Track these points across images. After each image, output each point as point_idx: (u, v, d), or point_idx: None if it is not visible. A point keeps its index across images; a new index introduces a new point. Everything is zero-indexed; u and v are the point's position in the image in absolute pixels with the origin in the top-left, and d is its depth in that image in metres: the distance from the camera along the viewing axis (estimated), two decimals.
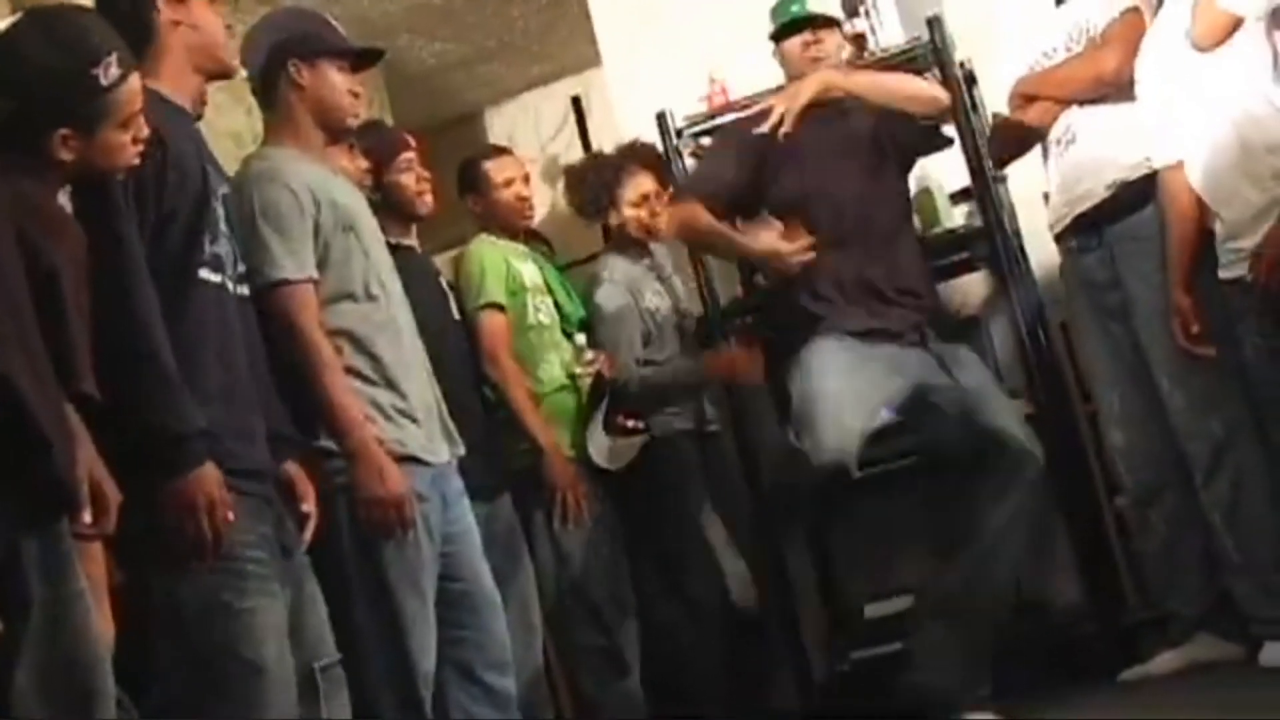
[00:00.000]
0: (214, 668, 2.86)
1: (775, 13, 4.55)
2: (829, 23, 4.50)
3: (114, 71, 2.69)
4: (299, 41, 3.63)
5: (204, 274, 3.02)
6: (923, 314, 4.35)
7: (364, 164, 4.26)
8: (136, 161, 2.79)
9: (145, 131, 2.81)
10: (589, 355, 4.88)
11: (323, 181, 3.58)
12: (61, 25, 2.73)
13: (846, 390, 4.02)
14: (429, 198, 4.43)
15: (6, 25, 2.68)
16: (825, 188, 4.33)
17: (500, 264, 4.74)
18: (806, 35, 4.43)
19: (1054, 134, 4.43)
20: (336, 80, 3.62)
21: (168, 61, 3.14)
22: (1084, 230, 4.42)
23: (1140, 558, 4.64)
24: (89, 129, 2.68)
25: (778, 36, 4.53)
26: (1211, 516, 4.19)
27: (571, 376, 4.83)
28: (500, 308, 4.70)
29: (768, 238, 4.35)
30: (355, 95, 3.68)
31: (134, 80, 2.76)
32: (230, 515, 2.84)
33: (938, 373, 4.22)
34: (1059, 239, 4.55)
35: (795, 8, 4.47)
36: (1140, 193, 4.27)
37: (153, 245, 2.90)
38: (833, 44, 4.48)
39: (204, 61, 3.22)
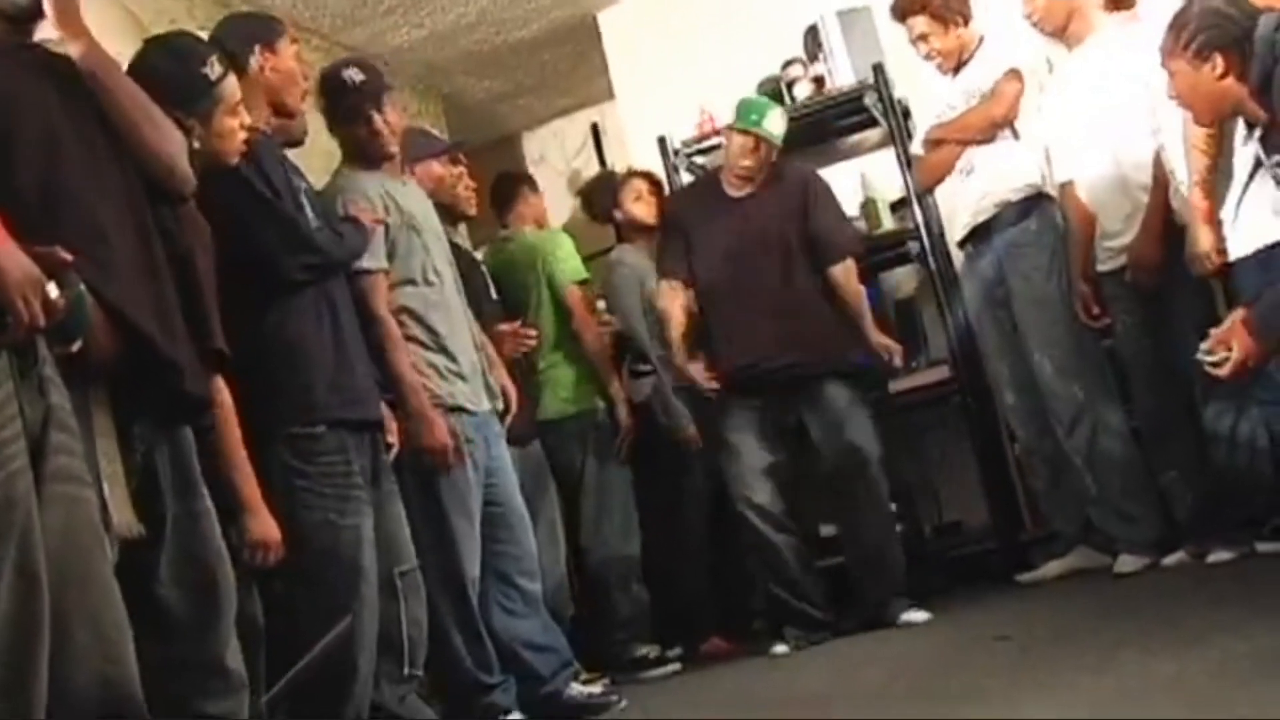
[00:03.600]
0: (325, 569, 2.95)
1: (740, 107, 4.51)
2: (770, 143, 4.44)
3: (217, 69, 2.77)
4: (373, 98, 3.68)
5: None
6: None
7: (454, 169, 4.33)
8: (244, 147, 2.86)
9: (249, 120, 2.89)
10: (606, 317, 4.95)
11: (393, 191, 3.64)
12: (175, 41, 2.88)
13: None
14: (474, 201, 4.46)
15: (136, 51, 2.78)
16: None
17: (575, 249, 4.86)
18: (749, 141, 4.42)
19: (960, 165, 4.45)
20: (393, 118, 3.69)
21: (250, 94, 3.08)
22: (978, 238, 4.46)
23: (1031, 490, 4.70)
24: (207, 117, 2.75)
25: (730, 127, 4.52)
26: (1074, 460, 4.24)
27: None
28: (585, 283, 4.81)
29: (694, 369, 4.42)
30: (395, 129, 3.71)
31: (233, 78, 2.83)
32: None
33: None
34: (961, 245, 4.61)
35: (754, 118, 4.45)
36: (1020, 210, 4.31)
37: None
38: (764, 158, 4.45)
39: (278, 100, 3.27)
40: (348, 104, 3.64)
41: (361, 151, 3.67)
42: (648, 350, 4.91)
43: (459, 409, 3.57)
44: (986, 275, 4.46)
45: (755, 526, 4.33)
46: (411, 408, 3.44)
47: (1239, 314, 3.02)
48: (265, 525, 2.73)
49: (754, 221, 4.42)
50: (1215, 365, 3.01)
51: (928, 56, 4.52)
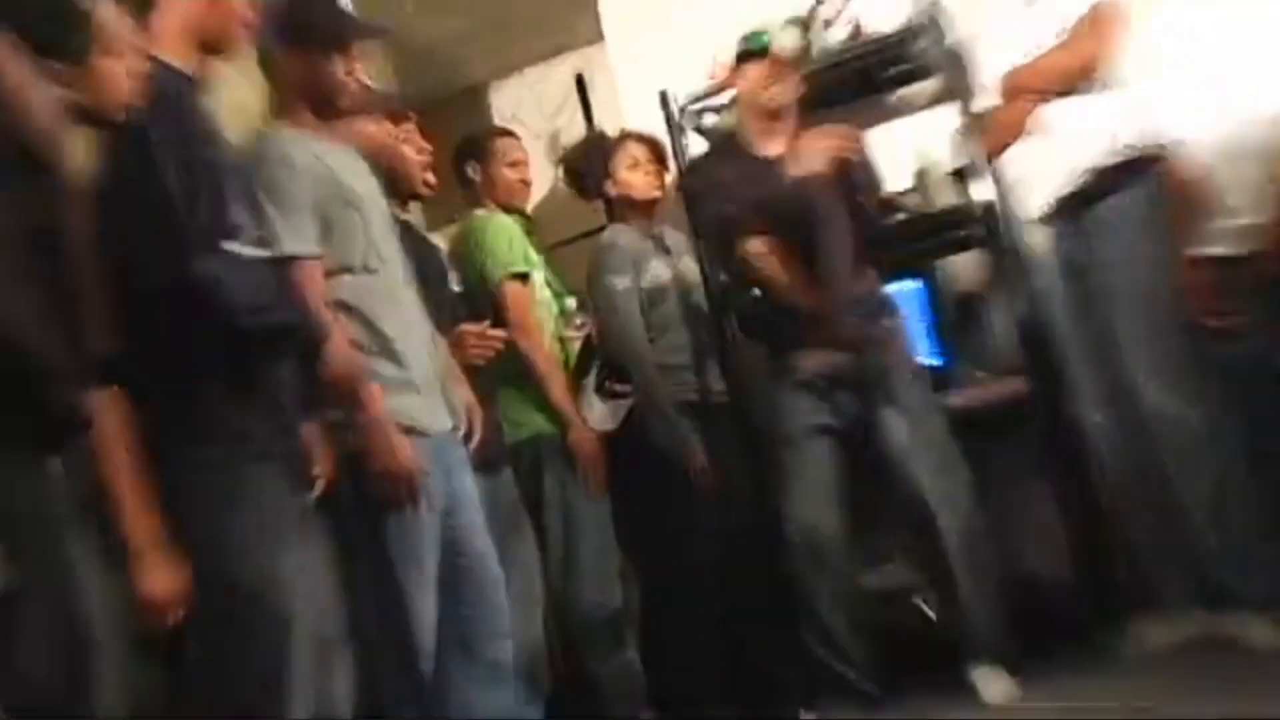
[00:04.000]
0: (245, 624, 2.91)
1: (741, 40, 4.64)
2: (794, 66, 4.58)
3: None
4: (300, 30, 3.66)
5: (228, 244, 3.06)
6: None
7: (390, 127, 4.28)
8: (131, 98, 2.81)
9: (138, 65, 2.84)
10: (579, 320, 4.96)
11: (326, 158, 3.60)
12: None
13: None
14: (430, 174, 4.44)
15: None
16: None
17: (520, 236, 4.81)
18: (765, 67, 4.54)
19: (1040, 121, 4.43)
20: (336, 65, 3.66)
21: (170, 32, 3.14)
22: (1063, 214, 4.46)
23: (1128, 536, 4.64)
24: (81, 57, 2.70)
25: (740, 59, 4.63)
26: (1186, 499, 4.22)
27: (560, 340, 4.90)
28: (524, 278, 4.75)
29: None
30: (350, 73, 3.70)
31: (112, 7, 2.79)
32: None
33: None
34: (1044, 221, 4.59)
35: (763, 38, 4.57)
36: (1118, 178, 4.29)
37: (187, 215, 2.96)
38: (789, 87, 4.58)
39: (208, 39, 3.23)
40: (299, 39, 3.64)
41: (299, 102, 3.66)
42: (631, 363, 4.91)
43: (410, 430, 3.52)
44: (1074, 262, 4.45)
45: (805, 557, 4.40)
46: (366, 421, 3.40)
47: None
48: (160, 577, 2.70)
49: (783, 188, 4.47)
50: None
51: None
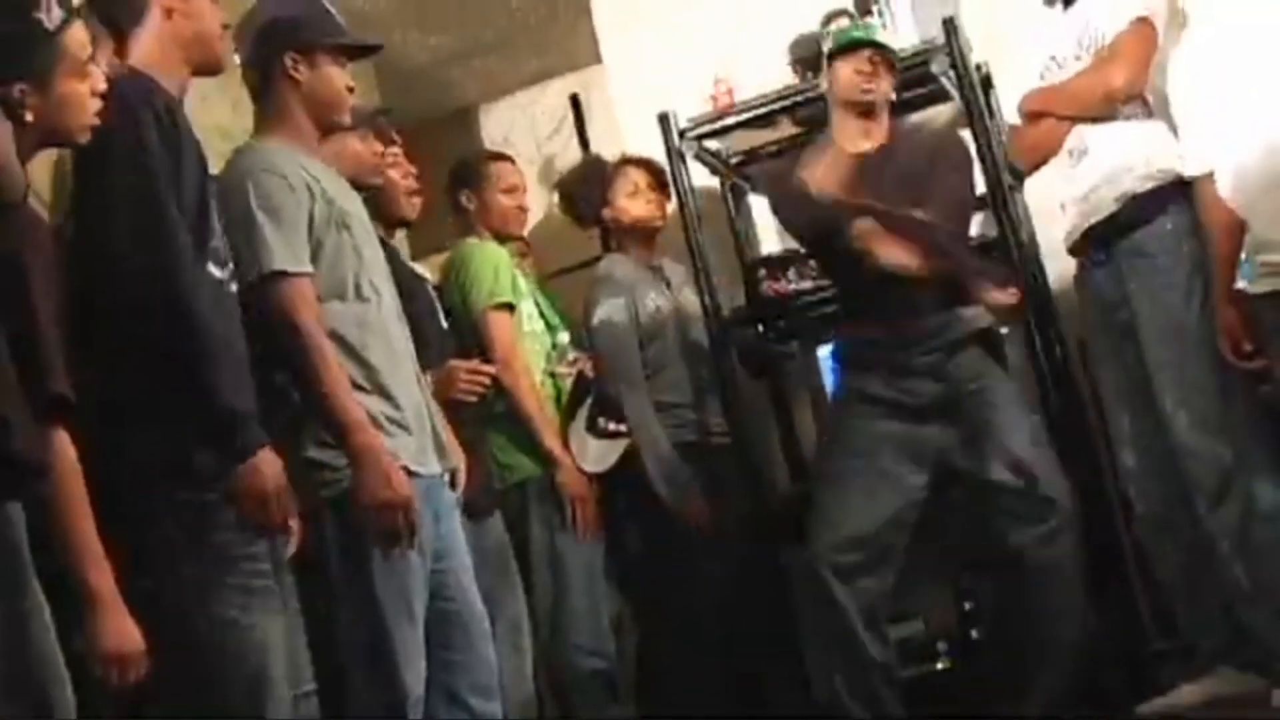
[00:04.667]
0: (221, 683, 2.88)
1: (836, 36, 4.62)
2: (889, 62, 4.56)
3: (57, 13, 2.67)
4: (295, 33, 3.60)
5: (210, 268, 3.06)
6: None
7: (378, 147, 4.24)
8: (97, 120, 2.77)
9: (103, 85, 2.81)
10: (571, 356, 4.89)
11: (317, 176, 3.55)
12: None
13: None
14: (417, 200, 4.43)
15: None
16: None
17: (508, 265, 4.74)
18: (863, 63, 4.49)
19: (1068, 144, 4.38)
20: (333, 74, 3.62)
21: (154, 48, 3.16)
22: (1094, 244, 4.38)
23: (1158, 586, 4.58)
24: (44, 78, 2.65)
25: (833, 56, 4.57)
26: (1220, 544, 4.12)
27: (552, 375, 4.84)
28: (511, 308, 4.69)
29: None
30: (350, 89, 3.67)
31: (80, 27, 2.74)
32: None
33: None
34: (1073, 252, 4.51)
35: (858, 33, 4.57)
36: (1150, 207, 4.22)
37: None
38: (888, 84, 4.56)
39: (194, 55, 3.25)
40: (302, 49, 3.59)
41: (293, 116, 3.59)
42: (626, 402, 4.85)
43: (402, 470, 3.42)
44: (1105, 294, 4.36)
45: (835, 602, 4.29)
46: (357, 449, 3.30)
47: None
48: (120, 631, 2.59)
49: (879, 185, 4.42)
50: None
51: None
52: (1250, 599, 4.09)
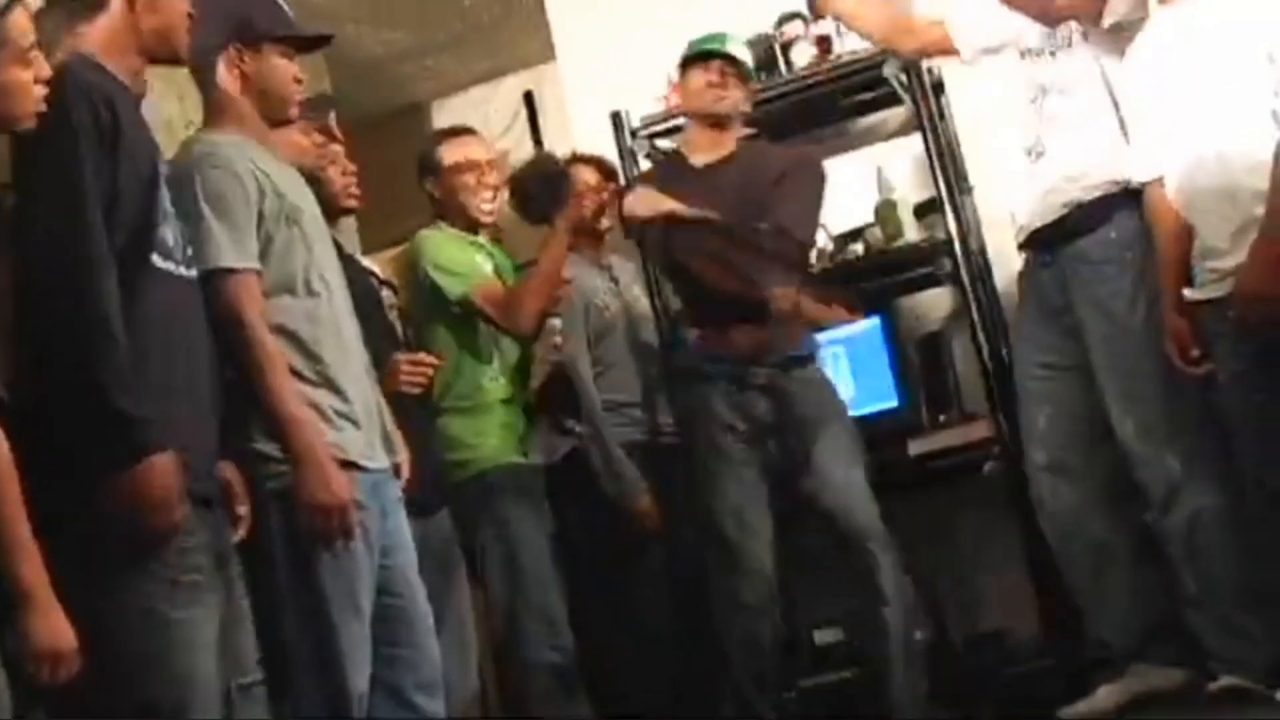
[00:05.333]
0: (143, 679, 2.84)
1: (692, 43, 4.70)
2: (741, 75, 4.65)
3: None
4: (242, 25, 3.59)
5: (156, 260, 3.02)
6: None
7: (319, 139, 4.25)
8: (43, 106, 2.77)
9: (47, 72, 2.80)
10: (557, 339, 4.91)
11: (268, 170, 3.53)
12: None
13: None
14: (354, 190, 4.39)
15: None
16: None
17: (460, 255, 4.70)
18: (715, 74, 4.58)
19: (1026, 143, 4.42)
20: (280, 67, 3.60)
21: (112, 36, 3.13)
22: (1040, 247, 4.44)
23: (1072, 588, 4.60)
24: None
25: (685, 65, 4.67)
26: (1168, 549, 4.18)
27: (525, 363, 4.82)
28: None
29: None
30: (298, 81, 3.66)
31: (21, 12, 2.73)
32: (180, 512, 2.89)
33: None
34: (1022, 247, 4.56)
35: (712, 44, 4.63)
36: (1096, 214, 4.27)
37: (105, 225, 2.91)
38: (739, 95, 4.64)
39: (154, 45, 3.22)
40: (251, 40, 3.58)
41: (242, 108, 3.58)
42: (584, 395, 4.88)
43: (349, 465, 3.42)
44: (1050, 298, 4.42)
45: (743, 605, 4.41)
46: (298, 448, 3.29)
47: None
48: (54, 627, 2.57)
49: (720, 196, 4.48)
50: None
51: None
52: (1196, 603, 4.14)
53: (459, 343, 4.66)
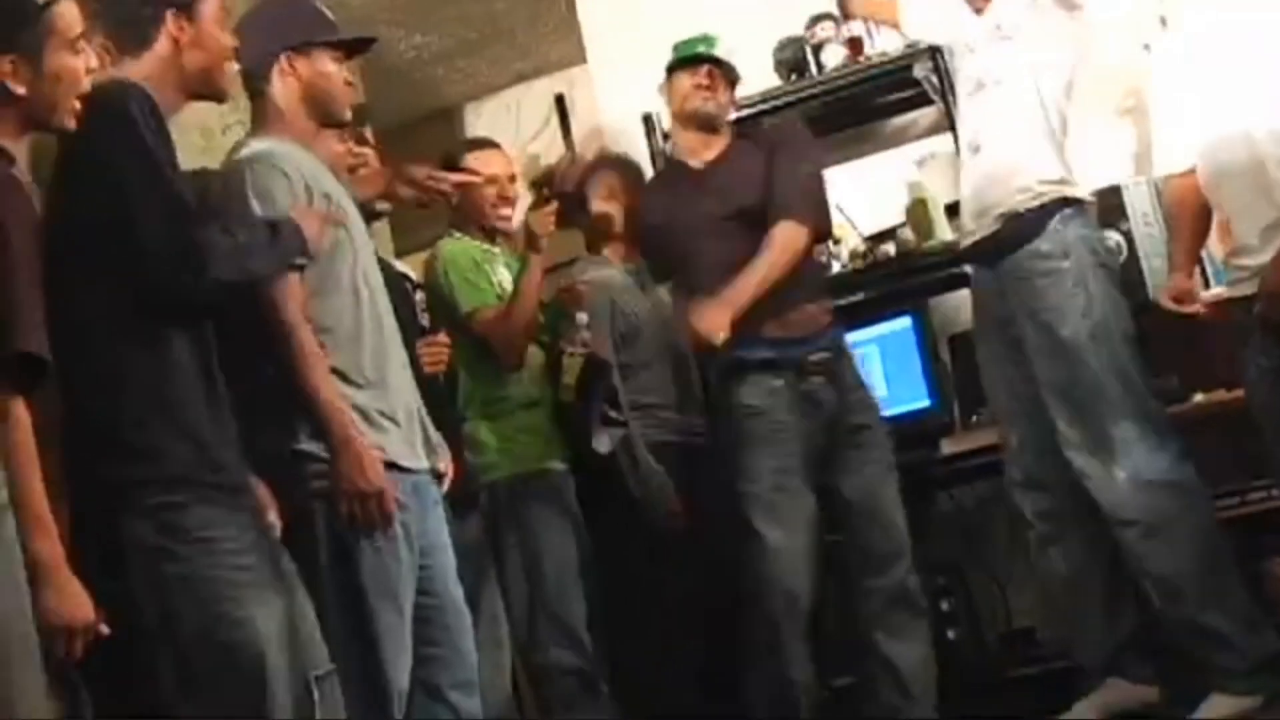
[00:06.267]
0: (214, 675, 2.90)
1: (676, 49, 4.74)
2: (729, 78, 4.69)
3: None
4: (291, 32, 3.66)
5: None
6: None
7: (356, 147, 4.31)
8: (88, 88, 2.82)
9: (95, 62, 2.87)
10: (585, 334, 4.86)
11: (315, 172, 3.59)
12: None
13: None
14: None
15: None
16: None
17: (476, 269, 4.74)
18: (702, 76, 4.63)
19: (965, 138, 4.50)
20: (332, 71, 3.68)
21: (155, 73, 3.18)
22: (978, 259, 4.51)
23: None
24: (35, 52, 2.71)
25: (672, 69, 4.71)
26: (1129, 562, 4.22)
27: (561, 353, 4.84)
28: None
29: None
30: (349, 84, 3.74)
31: (69, 3, 2.79)
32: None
33: None
34: (961, 257, 4.67)
35: (701, 47, 4.67)
36: (1029, 226, 4.30)
37: None
38: (726, 98, 4.69)
39: (196, 83, 3.28)
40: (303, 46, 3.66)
41: (294, 113, 3.65)
42: (619, 391, 4.87)
43: (390, 465, 3.47)
44: (993, 309, 4.48)
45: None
46: (336, 439, 3.36)
47: None
48: (72, 600, 2.60)
49: (719, 195, 4.55)
50: None
51: None
52: (1162, 613, 4.18)
53: (480, 350, 4.71)
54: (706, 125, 4.67)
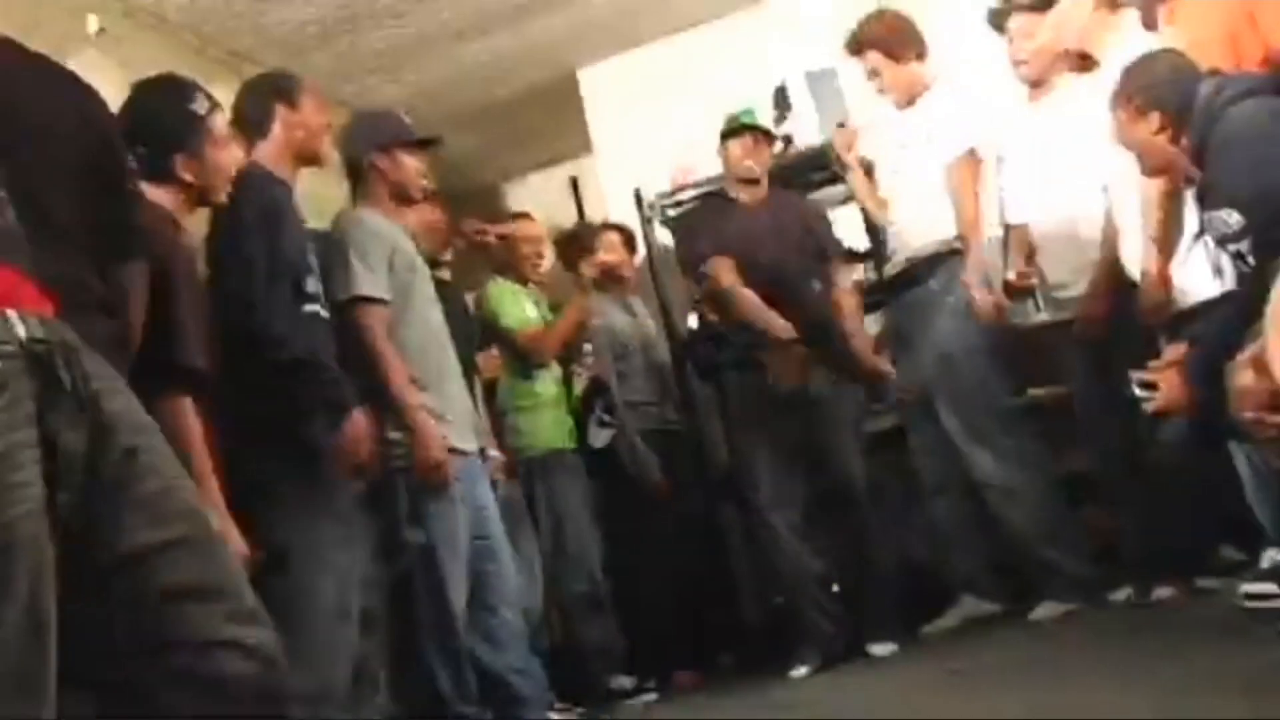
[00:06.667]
0: (307, 606, 2.97)
1: (729, 120, 4.67)
2: (769, 139, 4.68)
3: (204, 104, 2.89)
4: (378, 134, 3.82)
5: (305, 306, 3.22)
6: None
7: (438, 212, 4.44)
8: (230, 181, 2.96)
9: (240, 155, 3.02)
10: (589, 359, 5.04)
11: (396, 232, 3.74)
12: (162, 80, 2.96)
13: None
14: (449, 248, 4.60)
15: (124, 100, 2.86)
16: None
17: (514, 303, 4.87)
18: (748, 141, 4.58)
19: (885, 182, 4.54)
20: (408, 163, 3.80)
21: (275, 151, 3.35)
22: (887, 292, 4.61)
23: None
24: (198, 150, 2.85)
25: (726, 135, 4.65)
26: (997, 511, 4.26)
27: (568, 374, 4.97)
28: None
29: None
30: (421, 171, 3.85)
31: (220, 114, 2.94)
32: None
33: None
34: (889, 284, 4.64)
35: (746, 118, 4.64)
36: (924, 270, 4.35)
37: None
38: (767, 155, 4.66)
39: (304, 154, 3.42)
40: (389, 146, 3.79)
41: (379, 192, 3.78)
42: (616, 400, 4.99)
43: (450, 449, 3.61)
44: (902, 331, 4.56)
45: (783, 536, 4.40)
46: (410, 422, 3.49)
47: (1179, 351, 3.12)
48: (231, 538, 2.55)
49: (775, 221, 4.51)
50: (1148, 397, 3.11)
51: (880, 91, 4.52)
52: (1019, 549, 4.26)
53: (519, 358, 4.83)
54: (750, 179, 4.61)
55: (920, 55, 4.47)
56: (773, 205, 4.61)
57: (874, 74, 4.48)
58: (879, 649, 4.27)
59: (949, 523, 4.46)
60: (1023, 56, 4.12)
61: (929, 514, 4.55)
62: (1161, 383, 3.07)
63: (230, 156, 2.96)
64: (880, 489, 4.53)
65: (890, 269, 4.58)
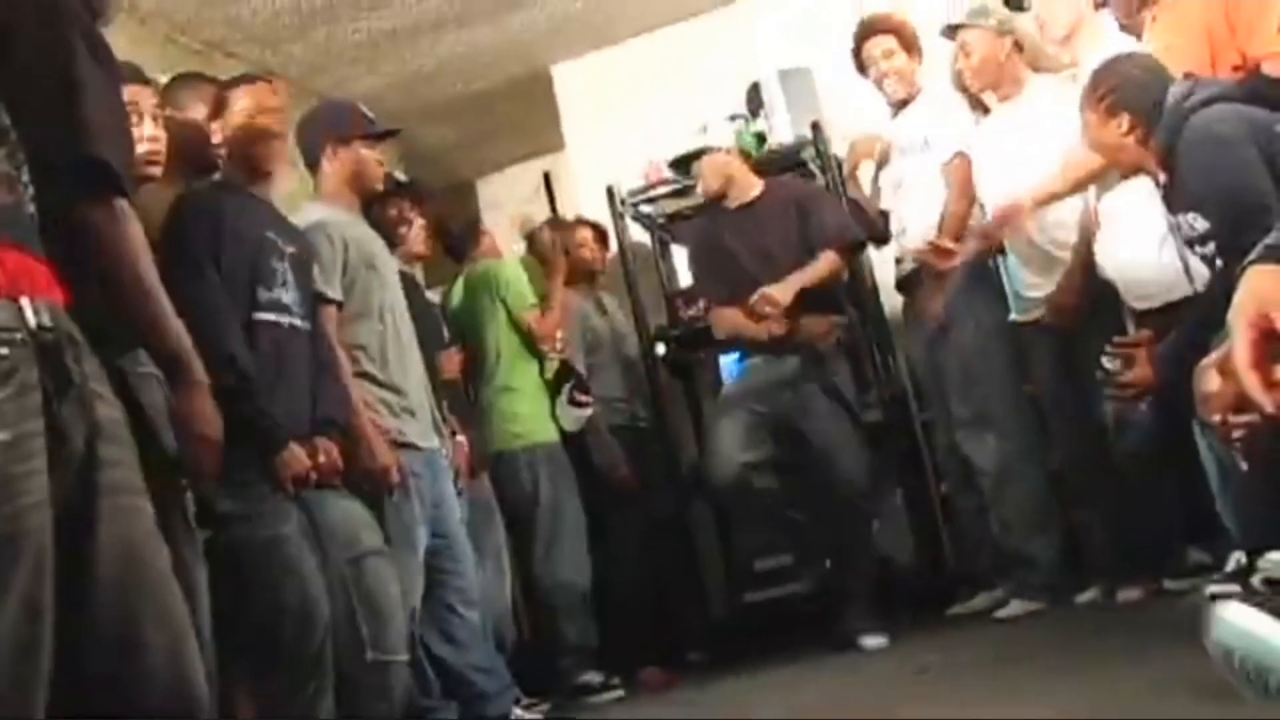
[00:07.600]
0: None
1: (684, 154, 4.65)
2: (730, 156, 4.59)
3: None
4: (334, 127, 3.74)
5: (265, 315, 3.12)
6: None
7: (409, 210, 4.35)
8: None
9: (162, 135, 2.87)
10: (560, 347, 4.87)
11: (351, 229, 3.64)
12: None
13: None
14: (423, 240, 4.47)
15: None
16: None
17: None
18: (712, 160, 4.53)
19: (890, 179, 4.53)
20: (364, 155, 3.72)
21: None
22: (904, 289, 4.61)
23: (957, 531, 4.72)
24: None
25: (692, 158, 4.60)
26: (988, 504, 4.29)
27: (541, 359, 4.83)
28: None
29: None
30: (380, 164, 3.78)
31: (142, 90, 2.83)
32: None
33: None
34: (899, 286, 4.68)
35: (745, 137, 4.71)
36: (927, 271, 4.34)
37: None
38: (736, 162, 4.58)
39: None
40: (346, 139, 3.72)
41: (340, 186, 3.72)
42: (586, 381, 4.89)
43: (408, 445, 3.54)
44: (918, 332, 4.56)
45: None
46: (355, 429, 3.37)
47: (1147, 334, 3.12)
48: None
49: (751, 228, 4.47)
50: (1117, 379, 3.11)
51: (884, 76, 4.50)
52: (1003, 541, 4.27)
53: (511, 340, 4.68)
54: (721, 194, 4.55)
55: (920, 58, 4.54)
56: (765, 199, 4.54)
57: (886, 55, 4.49)
58: (870, 641, 4.21)
59: (971, 515, 4.48)
60: (961, 66, 4.22)
61: (932, 506, 4.65)
62: (1135, 356, 3.06)
63: (143, 134, 2.75)
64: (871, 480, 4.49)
65: (899, 273, 4.61)
